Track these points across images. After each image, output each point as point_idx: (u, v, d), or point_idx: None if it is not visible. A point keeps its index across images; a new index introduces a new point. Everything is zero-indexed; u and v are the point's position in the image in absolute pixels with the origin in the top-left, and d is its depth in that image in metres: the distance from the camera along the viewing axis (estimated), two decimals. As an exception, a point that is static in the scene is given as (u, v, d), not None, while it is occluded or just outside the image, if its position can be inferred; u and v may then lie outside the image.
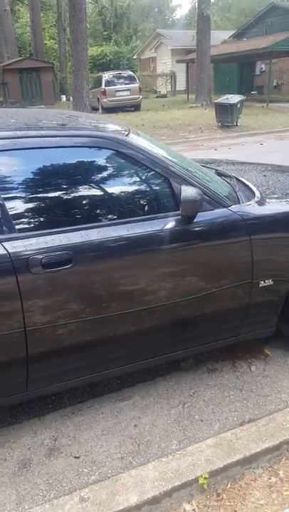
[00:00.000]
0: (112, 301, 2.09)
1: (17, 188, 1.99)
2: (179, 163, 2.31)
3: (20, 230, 1.93)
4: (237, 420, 2.31)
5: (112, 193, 2.17)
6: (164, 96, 27.17)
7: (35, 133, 2.03)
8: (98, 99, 18.81)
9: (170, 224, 2.15)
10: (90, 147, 2.12)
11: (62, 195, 2.06)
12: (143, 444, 2.17)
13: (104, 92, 18.56)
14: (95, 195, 2.14)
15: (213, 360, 2.77)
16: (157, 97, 27.19)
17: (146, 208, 2.19)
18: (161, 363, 2.65)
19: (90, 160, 2.14)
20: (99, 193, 2.15)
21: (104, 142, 2.11)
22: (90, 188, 2.13)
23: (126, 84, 18.96)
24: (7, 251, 1.87)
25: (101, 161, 2.16)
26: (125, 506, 1.76)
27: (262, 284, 2.39)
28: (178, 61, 25.03)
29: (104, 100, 18.54)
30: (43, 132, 2.05)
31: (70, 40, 15.52)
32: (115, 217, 2.10)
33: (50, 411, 2.40)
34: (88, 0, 45.84)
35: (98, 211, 2.11)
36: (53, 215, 2.03)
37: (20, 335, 1.95)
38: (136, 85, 19.08)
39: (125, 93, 18.66)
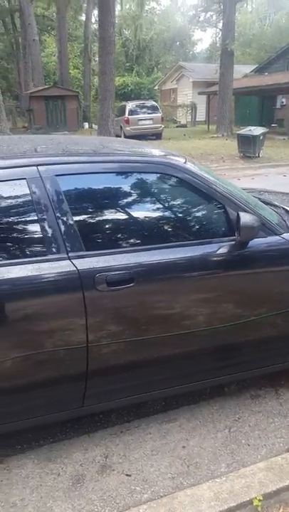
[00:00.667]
0: (168, 322, 2.16)
1: (86, 210, 2.11)
2: (233, 190, 2.40)
3: (88, 249, 2.02)
4: (283, 446, 2.32)
5: (171, 217, 2.28)
6: (184, 126, 27.73)
7: (109, 158, 2.17)
8: (121, 127, 19.27)
9: (225, 248, 2.24)
10: (153, 173, 2.23)
11: (125, 218, 2.18)
12: (192, 466, 2.20)
13: (127, 121, 19.04)
14: (155, 218, 2.25)
15: (256, 386, 2.78)
16: (177, 126, 27.76)
17: (202, 232, 2.28)
18: (205, 387, 2.68)
19: (152, 185, 2.26)
20: (159, 216, 2.26)
21: (166, 168, 2.22)
22: (151, 212, 2.24)
23: (148, 113, 19.44)
24: (76, 268, 1.96)
25: (162, 186, 2.27)
26: (184, 525, 1.78)
27: (311, 311, 2.43)
28: (200, 93, 25.62)
29: (127, 129, 19.00)
30: (114, 158, 2.18)
31: (97, 71, 16.07)
32: (174, 239, 2.20)
33: (99, 429, 2.44)
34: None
35: (158, 233, 2.21)
36: (117, 236, 2.14)
37: (83, 350, 2.02)
38: (158, 115, 19.55)
39: (148, 122, 19.12)
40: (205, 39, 67.20)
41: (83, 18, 36.41)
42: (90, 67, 29.40)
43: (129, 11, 45.23)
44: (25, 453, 2.28)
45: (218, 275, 2.24)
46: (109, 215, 2.15)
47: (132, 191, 2.21)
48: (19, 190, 1.99)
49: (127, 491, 2.06)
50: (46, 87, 24.31)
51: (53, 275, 1.94)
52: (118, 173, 2.18)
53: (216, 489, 1.95)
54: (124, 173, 2.19)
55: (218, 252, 2.22)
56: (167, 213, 2.27)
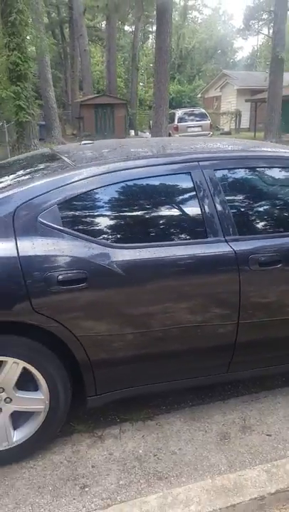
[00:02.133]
0: None
1: (238, 199, 2.42)
2: None
3: (241, 233, 2.32)
4: None
5: None
6: (228, 133, 27.88)
7: (256, 154, 2.50)
8: (170, 134, 19.67)
9: None
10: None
11: (271, 206, 2.49)
12: None
13: (176, 128, 19.45)
14: None
15: None
16: (221, 134, 27.93)
17: None
18: None
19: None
20: None
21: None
22: None
23: (197, 121, 19.80)
24: (233, 249, 2.27)
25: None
26: None
27: None
28: (247, 100, 25.77)
29: (176, 135, 19.37)
30: (260, 154, 2.51)
31: (154, 79, 16.52)
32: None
33: (231, 397, 2.73)
34: (153, 41, 48.47)
35: None
36: (265, 222, 2.44)
37: (235, 322, 2.32)
38: (207, 122, 19.90)
39: (197, 129, 19.46)
40: (245, 47, 67.29)
41: (127, 28, 37.44)
42: (137, 76, 30.05)
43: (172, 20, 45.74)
44: (171, 412, 2.60)
45: None
46: (258, 203, 2.46)
47: (276, 184, 2.51)
48: (185, 182, 2.32)
49: (270, 448, 2.34)
50: (96, 95, 25.09)
51: (215, 255, 2.25)
52: (263, 168, 2.49)
53: None
54: (268, 167, 2.49)
55: None
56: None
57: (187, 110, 21.03)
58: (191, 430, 2.46)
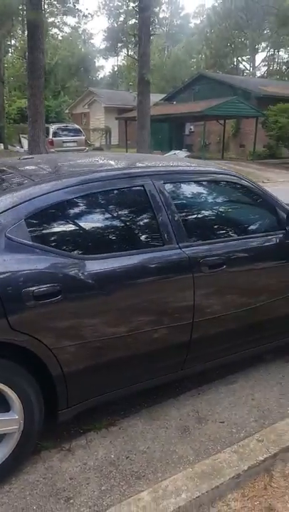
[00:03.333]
0: (252, 297, 2.79)
1: (186, 209, 2.66)
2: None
3: (191, 240, 2.56)
4: None
5: (246, 216, 2.90)
6: (100, 149, 28.53)
7: (199, 169, 2.75)
8: (46, 149, 19.48)
9: (278, 238, 2.88)
10: (228, 182, 2.86)
11: (214, 215, 2.79)
12: (266, 411, 2.78)
13: (51, 143, 19.34)
14: (234, 216, 2.86)
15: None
16: (94, 149, 28.51)
17: (259, 226, 2.92)
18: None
19: (229, 190, 2.89)
20: (240, 214, 2.88)
21: (235, 178, 2.85)
22: (231, 210, 2.86)
23: (72, 136, 19.98)
24: (187, 255, 2.48)
25: (234, 192, 2.89)
26: (291, 442, 2.36)
27: None
28: (117, 118, 26.69)
29: (52, 150, 19.25)
30: (203, 169, 2.81)
31: (28, 93, 16.20)
32: (250, 232, 2.83)
33: (180, 393, 2.93)
34: (16, 56, 47.58)
35: (237, 227, 2.83)
36: (211, 230, 2.72)
37: (189, 322, 2.53)
38: (82, 138, 20.18)
39: (72, 144, 19.62)
40: (106, 66, 69.85)
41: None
42: (2, 89, 29.11)
43: (34, 35, 45.28)
44: (130, 416, 2.69)
45: (274, 258, 2.89)
46: (203, 213, 2.72)
47: (216, 195, 2.83)
48: (139, 194, 2.47)
49: (226, 433, 2.58)
50: None
51: (171, 260, 2.44)
52: (206, 182, 2.80)
53: (299, 419, 2.57)
54: (209, 181, 2.81)
55: (275, 241, 2.86)
56: (243, 212, 2.90)
57: (61, 125, 21.07)
58: (153, 429, 2.59)
